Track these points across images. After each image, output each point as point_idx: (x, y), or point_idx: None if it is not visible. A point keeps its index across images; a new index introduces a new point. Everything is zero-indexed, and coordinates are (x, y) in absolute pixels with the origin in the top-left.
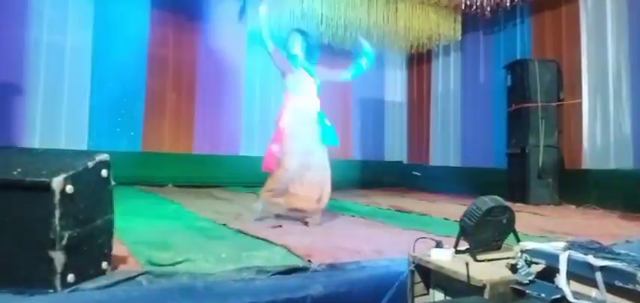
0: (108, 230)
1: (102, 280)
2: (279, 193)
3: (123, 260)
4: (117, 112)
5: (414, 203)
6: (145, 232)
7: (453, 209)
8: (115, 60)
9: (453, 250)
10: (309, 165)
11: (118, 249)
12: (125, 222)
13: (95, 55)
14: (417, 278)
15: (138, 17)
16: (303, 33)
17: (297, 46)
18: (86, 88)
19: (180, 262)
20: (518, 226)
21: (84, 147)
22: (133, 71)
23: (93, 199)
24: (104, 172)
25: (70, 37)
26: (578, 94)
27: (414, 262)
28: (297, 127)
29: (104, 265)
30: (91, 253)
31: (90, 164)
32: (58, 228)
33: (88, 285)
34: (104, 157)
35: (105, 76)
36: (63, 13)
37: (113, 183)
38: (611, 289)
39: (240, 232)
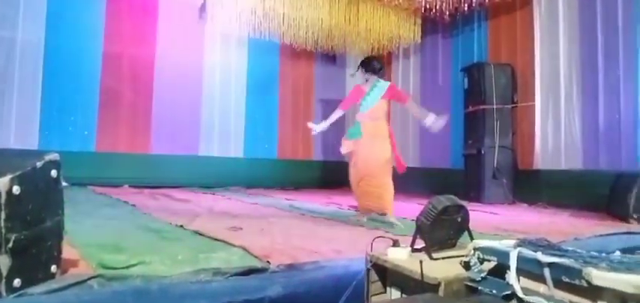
0: (57, 233)
1: (51, 285)
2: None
3: (74, 264)
4: (70, 110)
5: None
6: (97, 234)
7: (411, 209)
8: (68, 56)
9: (410, 248)
10: None
11: (68, 252)
12: (77, 224)
13: (47, 50)
14: (374, 277)
15: (92, 11)
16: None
17: None
18: (37, 85)
19: (134, 265)
20: (473, 225)
21: (35, 146)
22: (87, 68)
23: (41, 200)
24: (54, 173)
25: (21, 32)
26: (532, 96)
27: (371, 261)
28: None
29: (53, 268)
30: (40, 257)
31: (38, 164)
32: (3, 230)
33: (36, 289)
34: (53, 156)
35: (57, 72)
36: (14, 6)
37: (64, 184)
38: (558, 284)
39: (198, 233)
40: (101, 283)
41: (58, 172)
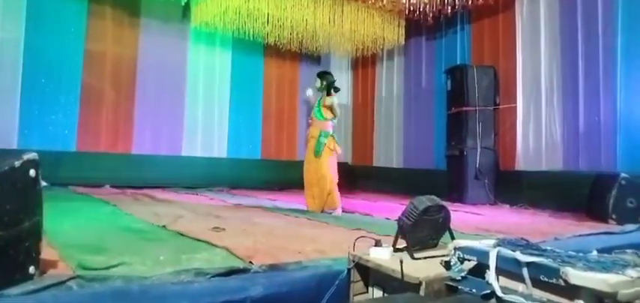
0: (36, 233)
1: (29, 286)
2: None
3: (53, 264)
4: (50, 109)
5: (357, 203)
6: (77, 235)
7: (394, 209)
8: (48, 54)
9: (392, 248)
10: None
11: (47, 253)
12: (56, 225)
13: (27, 48)
14: (357, 276)
15: (74, 9)
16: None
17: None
18: (16, 83)
19: (114, 266)
20: (455, 225)
21: (13, 146)
22: (68, 67)
23: (19, 200)
24: (32, 172)
25: (0, 30)
26: (513, 99)
27: (353, 261)
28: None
29: (31, 269)
30: (17, 258)
31: (16, 164)
32: None
33: (13, 290)
34: (32, 156)
35: (37, 70)
36: None
37: (42, 183)
38: (536, 283)
39: (181, 234)
40: (80, 285)
41: (37, 172)
